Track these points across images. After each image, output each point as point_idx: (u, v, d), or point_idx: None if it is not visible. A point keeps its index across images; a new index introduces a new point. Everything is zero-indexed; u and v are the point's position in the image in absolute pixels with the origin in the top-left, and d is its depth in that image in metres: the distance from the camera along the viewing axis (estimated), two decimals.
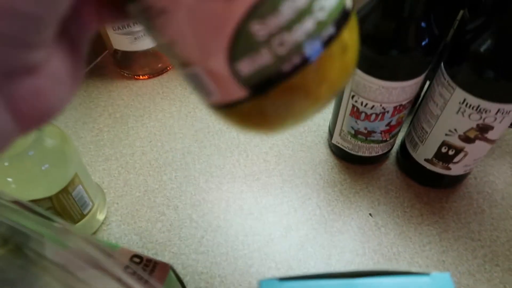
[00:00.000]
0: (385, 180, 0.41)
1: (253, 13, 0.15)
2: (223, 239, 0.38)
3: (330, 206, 0.40)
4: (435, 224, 0.38)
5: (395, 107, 0.34)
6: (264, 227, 0.38)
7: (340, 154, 0.42)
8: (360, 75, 0.33)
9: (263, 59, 0.15)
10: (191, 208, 0.40)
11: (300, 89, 0.16)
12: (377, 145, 0.39)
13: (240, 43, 0.15)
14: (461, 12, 0.36)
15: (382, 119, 0.35)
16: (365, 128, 0.37)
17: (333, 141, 0.41)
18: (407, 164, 0.41)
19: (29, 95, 0.14)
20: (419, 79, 0.33)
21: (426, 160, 0.37)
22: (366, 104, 0.34)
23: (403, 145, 0.41)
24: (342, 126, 0.39)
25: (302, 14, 0.15)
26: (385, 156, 0.42)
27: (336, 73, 0.17)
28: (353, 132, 0.38)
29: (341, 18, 0.16)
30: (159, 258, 0.37)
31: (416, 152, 0.38)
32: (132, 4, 0.16)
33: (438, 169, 0.37)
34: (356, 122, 0.37)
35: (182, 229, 0.39)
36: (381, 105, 0.34)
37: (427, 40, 0.30)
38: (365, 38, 0.31)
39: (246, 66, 0.15)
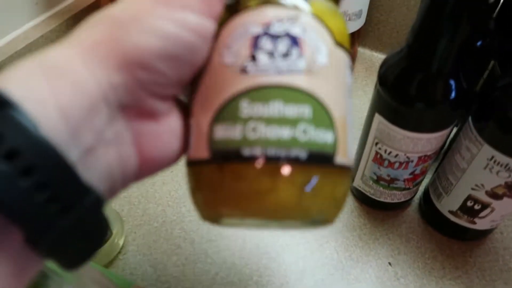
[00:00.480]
0: (406, 228, 0.40)
1: (249, 93, 0.17)
2: (237, 278, 0.38)
3: (348, 251, 0.39)
4: (457, 279, 0.37)
5: (420, 157, 0.34)
6: (279, 269, 0.38)
7: (360, 198, 0.42)
8: (385, 124, 0.32)
9: (234, 132, 0.16)
10: (207, 243, 0.40)
11: (249, 183, 0.17)
12: (399, 192, 0.38)
13: (227, 109, 0.17)
14: (492, 62, 0.35)
15: (406, 167, 0.35)
16: (388, 175, 0.36)
17: (354, 184, 0.41)
18: (430, 213, 0.40)
19: (150, 135, 0.18)
20: (446, 131, 0.32)
21: (450, 212, 0.36)
22: (390, 152, 0.34)
23: (426, 193, 0.40)
24: (364, 171, 0.38)
25: (285, 120, 0.16)
26: (407, 203, 0.41)
27: (287, 198, 0.17)
28: (375, 178, 0.37)
29: (318, 156, 0.17)
30: None
31: (440, 203, 0.37)
32: None
33: (462, 222, 0.36)
34: (379, 168, 0.36)
35: (197, 264, 0.39)
36: (405, 155, 0.33)
37: (454, 94, 0.30)
38: (391, 88, 0.31)
39: (220, 131, 0.17)
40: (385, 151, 0.34)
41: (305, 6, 0.18)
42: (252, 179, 0.16)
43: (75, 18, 0.48)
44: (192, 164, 0.19)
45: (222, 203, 0.18)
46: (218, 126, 0.17)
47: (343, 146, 0.18)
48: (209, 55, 0.18)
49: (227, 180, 0.17)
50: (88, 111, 0.15)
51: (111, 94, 0.15)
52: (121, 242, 0.39)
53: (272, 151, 0.16)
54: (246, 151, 0.16)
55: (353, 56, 0.53)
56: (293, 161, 0.16)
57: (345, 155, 0.18)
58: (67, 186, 0.14)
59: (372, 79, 0.54)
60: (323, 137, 0.17)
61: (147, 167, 0.18)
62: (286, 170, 0.16)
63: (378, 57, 0.57)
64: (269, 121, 0.16)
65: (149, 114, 0.17)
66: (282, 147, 0.16)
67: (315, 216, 0.18)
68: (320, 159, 0.17)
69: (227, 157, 0.17)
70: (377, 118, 0.33)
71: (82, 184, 0.14)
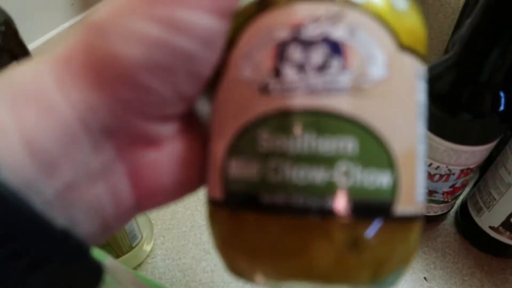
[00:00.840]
0: (442, 242, 0.39)
1: (270, 120, 0.12)
2: None
3: None
4: None
5: (462, 170, 0.32)
6: None
7: None
8: (428, 135, 0.31)
9: (251, 171, 0.12)
10: None
11: (271, 240, 0.13)
12: (436, 205, 0.37)
13: (243, 140, 0.13)
14: None
15: (446, 180, 0.34)
16: (427, 188, 0.35)
17: None
18: (467, 228, 0.38)
19: (149, 165, 0.14)
20: (492, 144, 0.31)
21: (491, 227, 0.35)
22: (431, 164, 0.33)
23: (464, 207, 0.38)
24: None
25: (318, 159, 0.12)
26: (442, 216, 0.40)
27: (323, 261, 0.12)
28: None
29: (367, 206, 0.12)
30: None
31: (480, 218, 0.36)
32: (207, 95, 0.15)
33: (504, 238, 0.35)
34: None
35: (226, 271, 0.38)
36: (447, 167, 0.32)
37: (503, 106, 0.29)
38: (437, 98, 0.30)
39: (235, 167, 0.13)
40: (426, 162, 0.33)
41: None
42: (274, 234, 0.12)
43: None
44: (208, 203, 0.15)
45: (241, 260, 0.14)
46: (233, 161, 0.13)
47: (408, 190, 0.12)
48: (225, 63, 0.14)
49: (245, 232, 0.13)
50: (62, 141, 0.12)
51: (89, 119, 0.12)
52: (150, 246, 0.39)
53: (299, 200, 0.12)
54: (266, 198, 0.12)
55: None
56: (330, 214, 0.12)
57: (411, 202, 0.13)
58: (34, 238, 0.11)
59: None
60: (376, 180, 0.12)
61: (148, 201, 0.15)
62: (319, 226, 0.12)
63: None
64: (297, 159, 0.12)
65: (146, 140, 0.14)
66: (313, 195, 0.12)
67: (366, 281, 0.13)
68: (370, 211, 0.12)
69: (243, 203, 0.13)
70: None
71: (54, 233, 0.12)
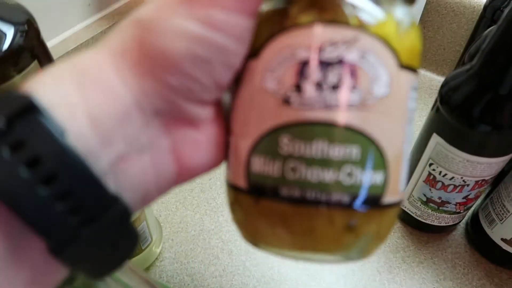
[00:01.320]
0: (452, 253, 0.39)
1: (290, 128, 0.15)
2: None
3: (391, 273, 0.38)
4: None
5: (477, 182, 0.32)
6: (318, 287, 0.37)
7: (405, 218, 0.40)
8: (443, 145, 0.31)
9: (272, 168, 0.15)
10: (246, 254, 0.39)
11: (286, 222, 0.16)
12: (448, 216, 0.37)
13: (266, 142, 0.16)
14: None
15: (460, 191, 0.33)
16: (439, 198, 0.35)
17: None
18: (478, 239, 0.38)
19: (189, 143, 0.17)
20: (508, 157, 0.31)
21: (503, 239, 0.35)
22: (445, 175, 0.33)
23: (475, 218, 0.38)
24: (412, 191, 0.37)
25: (328, 162, 0.15)
26: (453, 226, 0.40)
27: (326, 239, 0.16)
28: (424, 199, 0.36)
29: (363, 199, 0.15)
30: None
31: (492, 229, 0.36)
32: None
33: None
34: (430, 190, 0.35)
35: (234, 276, 0.38)
36: (462, 178, 0.32)
37: None
38: (455, 108, 0.30)
39: (258, 164, 0.16)
40: (440, 173, 0.33)
41: (370, 21, 0.15)
42: (289, 218, 0.16)
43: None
44: (231, 187, 0.18)
45: (258, 234, 0.17)
46: (257, 158, 0.16)
47: (394, 184, 0.16)
48: (250, 70, 0.16)
49: (264, 214, 0.16)
50: (119, 118, 0.14)
51: (143, 101, 0.15)
52: (159, 249, 0.39)
53: (311, 194, 0.15)
54: (284, 191, 0.15)
55: None
56: (335, 205, 0.15)
57: (395, 193, 0.16)
58: (91, 196, 0.13)
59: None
60: (372, 178, 0.15)
61: (184, 175, 0.17)
62: (325, 214, 0.15)
63: (421, 74, 0.56)
64: (311, 162, 0.15)
65: (188, 121, 0.16)
66: (323, 190, 0.15)
67: (353, 253, 0.17)
68: (365, 203, 0.15)
69: (264, 192, 0.16)
70: (435, 138, 0.32)
71: (107, 195, 0.14)
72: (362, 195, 0.15)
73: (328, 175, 0.15)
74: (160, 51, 0.14)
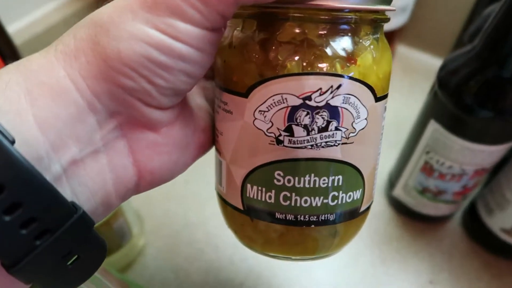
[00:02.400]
0: (449, 243, 0.37)
1: (282, 164, 0.16)
2: (265, 285, 0.35)
3: (385, 265, 0.36)
4: None
5: (476, 170, 0.30)
6: (310, 283, 0.35)
7: (399, 208, 0.39)
8: (441, 132, 0.29)
9: (267, 196, 0.17)
10: (233, 249, 0.37)
11: (279, 236, 0.18)
12: (445, 205, 0.35)
13: (260, 174, 0.17)
14: None
15: (458, 180, 0.32)
16: (436, 187, 0.33)
17: (394, 194, 0.38)
18: (476, 229, 0.36)
19: (148, 146, 0.16)
20: (510, 144, 0.29)
21: (502, 229, 0.33)
22: (443, 163, 0.31)
23: (473, 207, 0.37)
24: (407, 180, 0.35)
25: (317, 191, 0.17)
26: (450, 216, 0.38)
27: (313, 247, 0.19)
28: (420, 188, 0.34)
29: (345, 214, 0.18)
30: None
31: (491, 219, 0.34)
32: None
33: None
34: (426, 179, 0.33)
35: (221, 272, 0.36)
36: (460, 167, 0.30)
37: None
38: (454, 93, 0.27)
39: (253, 191, 0.17)
40: (437, 161, 0.31)
41: (353, 63, 0.16)
42: (282, 234, 0.18)
43: (100, 1, 0.45)
44: (225, 202, 0.19)
45: (253, 242, 0.19)
46: (251, 186, 0.17)
47: (369, 194, 0.19)
48: (239, 107, 0.17)
49: (259, 230, 0.18)
50: (71, 120, 0.14)
51: (96, 102, 0.15)
52: (140, 244, 0.37)
53: (303, 217, 0.17)
54: (279, 216, 0.17)
55: None
56: (322, 223, 0.17)
57: (369, 199, 0.19)
58: (44, 206, 0.13)
59: (409, 79, 0.51)
60: (352, 197, 0.18)
61: (147, 180, 0.17)
62: (315, 230, 0.18)
63: (417, 57, 0.53)
64: (302, 192, 0.17)
65: (146, 124, 0.16)
66: (313, 213, 0.17)
67: (335, 250, 0.20)
68: (347, 216, 0.18)
69: (260, 216, 0.18)
70: (432, 125, 0.30)
71: (63, 204, 0.13)
72: (344, 211, 0.18)
73: (316, 201, 0.17)
74: (114, 53, 0.14)
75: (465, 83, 0.27)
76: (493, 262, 0.36)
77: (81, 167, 0.15)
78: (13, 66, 0.14)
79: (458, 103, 0.27)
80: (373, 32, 0.17)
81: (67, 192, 0.14)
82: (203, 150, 0.19)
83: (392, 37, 0.47)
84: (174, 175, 0.18)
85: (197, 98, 0.20)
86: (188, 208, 0.40)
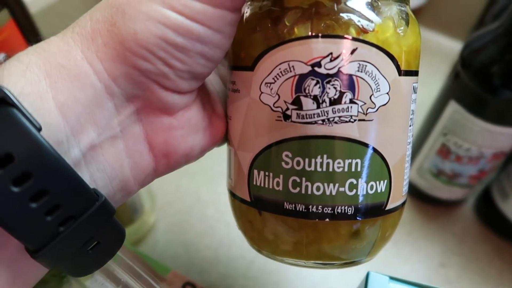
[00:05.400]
0: (461, 228, 0.37)
1: (290, 143, 0.15)
2: (275, 267, 0.35)
3: (396, 247, 0.36)
4: None
5: (494, 154, 0.30)
6: None
7: (412, 191, 0.38)
8: (461, 113, 0.29)
9: (274, 183, 0.15)
10: None
11: (291, 234, 0.16)
12: (459, 189, 0.34)
13: (267, 157, 0.15)
14: None
15: (475, 163, 0.31)
16: (452, 170, 0.33)
17: None
18: (489, 213, 0.36)
19: (162, 130, 0.16)
20: None
21: None
22: (461, 146, 0.30)
23: (487, 191, 0.36)
24: (422, 163, 0.35)
25: (331, 176, 0.15)
26: (463, 200, 0.38)
27: (331, 248, 0.16)
28: (435, 171, 0.34)
29: (367, 208, 0.15)
30: (204, 276, 0.34)
31: (506, 204, 0.34)
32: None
33: None
34: (442, 162, 0.32)
35: (231, 248, 0.36)
36: (479, 149, 0.30)
37: None
38: (476, 73, 0.27)
39: (260, 178, 0.16)
40: (455, 143, 0.30)
41: (367, 28, 0.14)
42: (293, 230, 0.16)
43: None
44: (234, 196, 0.18)
45: (263, 242, 0.17)
46: (258, 172, 0.16)
47: (398, 189, 0.16)
48: (246, 82, 0.16)
49: (268, 226, 0.16)
50: (89, 104, 0.14)
51: (113, 85, 0.14)
52: (151, 219, 0.37)
53: (316, 208, 0.15)
54: (289, 206, 0.15)
55: None
56: (340, 217, 0.15)
57: (399, 197, 0.17)
58: (69, 194, 0.13)
59: (426, 61, 0.50)
60: (375, 188, 0.15)
61: (163, 164, 0.17)
62: (331, 225, 0.15)
63: (434, 38, 0.52)
64: (313, 176, 0.15)
65: (162, 108, 0.16)
66: (327, 203, 0.15)
67: (358, 257, 0.17)
68: (369, 211, 0.15)
69: (268, 207, 0.16)
70: (452, 106, 0.29)
71: (86, 191, 0.13)
72: (366, 204, 0.15)
73: (331, 188, 0.15)
74: (130, 34, 0.14)
75: (490, 63, 0.26)
76: (505, 247, 0.36)
77: (99, 152, 0.15)
78: (32, 49, 0.14)
79: (482, 83, 0.27)
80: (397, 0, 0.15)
81: (86, 177, 0.14)
82: (220, 136, 0.19)
83: None
84: (190, 159, 0.18)
85: (216, 85, 0.20)
86: (199, 184, 0.40)
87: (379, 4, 0.15)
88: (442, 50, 0.51)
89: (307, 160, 0.15)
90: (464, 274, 0.34)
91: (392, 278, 0.18)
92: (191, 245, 0.36)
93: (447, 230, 0.37)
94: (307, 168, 0.15)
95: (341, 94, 0.14)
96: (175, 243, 0.37)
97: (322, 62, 0.14)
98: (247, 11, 0.16)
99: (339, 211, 0.15)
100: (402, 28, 0.15)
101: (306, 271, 0.34)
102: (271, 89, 0.15)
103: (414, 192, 0.38)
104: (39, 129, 0.12)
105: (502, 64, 0.26)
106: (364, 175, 0.15)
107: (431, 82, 0.46)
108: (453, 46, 0.50)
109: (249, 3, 0.16)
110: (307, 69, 0.14)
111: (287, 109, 0.15)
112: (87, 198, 0.13)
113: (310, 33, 0.14)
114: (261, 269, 0.35)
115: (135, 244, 0.36)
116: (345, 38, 0.14)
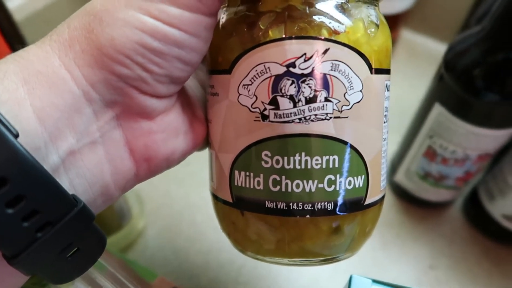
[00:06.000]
0: (449, 229, 0.37)
1: (269, 143, 0.15)
2: (266, 271, 0.35)
3: (385, 249, 0.36)
4: None
5: (480, 155, 0.30)
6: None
7: (400, 193, 0.38)
8: (446, 116, 0.29)
9: (255, 182, 0.16)
10: None
11: (273, 232, 0.16)
12: (446, 191, 0.35)
13: (247, 157, 0.16)
14: None
15: (461, 165, 0.31)
16: (438, 172, 0.33)
17: (395, 179, 0.37)
18: (477, 214, 0.36)
19: (142, 134, 0.16)
20: None
21: (504, 216, 0.33)
22: (447, 148, 0.30)
23: (474, 193, 0.36)
24: (410, 165, 0.35)
25: (310, 173, 0.15)
26: (451, 202, 0.38)
27: (313, 244, 0.16)
28: (422, 173, 0.34)
29: (346, 204, 0.16)
30: (195, 282, 0.34)
31: (492, 205, 0.34)
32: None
33: None
34: (429, 164, 0.33)
35: (221, 253, 0.36)
36: (464, 151, 0.30)
37: None
38: (461, 75, 0.27)
39: (241, 178, 0.16)
40: (441, 145, 0.31)
41: (339, 29, 0.15)
42: (276, 228, 0.16)
43: None
44: (216, 198, 0.18)
45: (246, 243, 0.18)
46: (239, 173, 0.16)
47: (375, 184, 0.17)
48: (224, 85, 0.16)
49: (251, 226, 0.17)
50: (67, 110, 0.14)
51: (92, 91, 0.14)
52: (140, 225, 0.37)
53: (296, 205, 0.15)
54: (270, 205, 0.16)
55: (393, 39, 0.49)
56: (320, 213, 0.15)
57: (377, 192, 0.17)
58: (47, 200, 0.13)
59: (414, 64, 0.50)
60: (353, 183, 0.16)
61: (144, 168, 0.17)
62: (311, 221, 0.16)
63: (421, 41, 0.53)
64: (292, 174, 0.15)
65: (141, 112, 0.16)
66: (307, 200, 0.15)
67: (340, 253, 0.17)
68: (348, 206, 0.16)
69: (250, 207, 0.16)
70: (437, 108, 0.29)
71: (65, 197, 0.13)
72: (345, 200, 0.16)
73: (310, 185, 0.15)
74: (108, 41, 0.14)
75: (473, 66, 0.26)
76: (493, 248, 0.36)
77: (78, 158, 0.15)
78: (10, 57, 0.14)
79: (465, 86, 0.27)
80: (366, 1, 0.16)
81: (65, 183, 0.14)
82: (201, 140, 0.19)
83: (396, 21, 0.47)
84: (171, 163, 0.18)
85: (196, 90, 0.20)
86: (189, 189, 0.40)
87: (349, 6, 0.15)
88: (430, 53, 0.51)
89: (286, 158, 0.15)
90: (453, 276, 0.34)
91: (374, 281, 0.18)
92: (181, 250, 0.36)
93: (435, 232, 0.37)
94: (286, 166, 0.15)
95: (316, 92, 0.15)
96: (165, 248, 0.36)
97: (297, 63, 0.14)
98: (223, 16, 0.17)
99: (319, 207, 0.15)
100: (372, 29, 0.16)
101: (296, 274, 0.34)
102: (249, 91, 0.15)
103: (402, 194, 0.38)
104: (16, 136, 0.12)
105: (484, 67, 0.26)
106: (342, 171, 0.15)
107: (419, 85, 0.46)
108: (441, 49, 0.50)
109: (224, 9, 0.17)
110: (282, 69, 0.15)
111: (265, 109, 0.15)
112: (65, 203, 0.13)
113: (284, 35, 0.15)
114: (252, 273, 0.35)
115: (124, 250, 0.36)
116: (318, 39, 0.14)
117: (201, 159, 0.42)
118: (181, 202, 0.39)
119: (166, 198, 0.39)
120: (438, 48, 0.52)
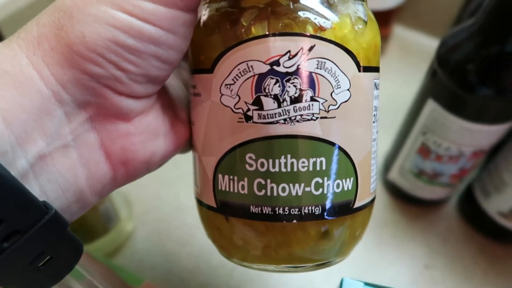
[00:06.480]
0: (445, 227, 0.37)
1: (253, 145, 0.14)
2: (257, 274, 0.34)
3: (380, 250, 0.35)
4: (500, 287, 0.33)
5: (474, 152, 0.29)
6: None
7: (394, 192, 0.38)
8: (439, 112, 0.28)
9: (239, 187, 0.15)
10: None
11: (259, 238, 0.15)
12: (441, 189, 0.34)
13: (231, 161, 0.15)
14: None
15: (455, 162, 0.31)
16: (433, 170, 0.32)
17: (389, 177, 0.37)
18: (472, 212, 0.36)
19: (119, 137, 0.15)
20: (510, 124, 0.28)
21: (500, 213, 0.32)
22: (441, 145, 0.30)
23: (469, 190, 0.36)
24: (403, 163, 0.34)
25: (296, 176, 0.14)
26: (446, 199, 0.37)
27: (300, 250, 0.16)
28: (416, 171, 0.33)
29: (335, 207, 0.15)
30: (185, 286, 0.33)
31: (488, 202, 0.33)
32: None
33: None
34: (423, 161, 0.32)
35: (212, 256, 0.35)
36: (459, 148, 0.29)
37: None
38: (454, 71, 0.26)
39: (225, 182, 0.15)
40: (435, 142, 0.30)
41: (325, 26, 0.14)
42: (262, 234, 0.15)
43: None
44: (201, 203, 0.18)
45: (232, 250, 0.17)
46: (223, 176, 0.16)
47: (365, 187, 0.16)
48: (206, 85, 0.15)
49: (236, 232, 0.16)
50: (36, 112, 0.13)
51: (62, 92, 0.13)
52: (128, 228, 0.36)
53: (282, 210, 0.15)
54: (255, 209, 0.15)
55: (386, 35, 0.48)
56: (307, 217, 0.15)
57: (367, 194, 0.16)
58: (13, 207, 0.12)
59: (407, 61, 0.50)
60: (342, 186, 0.15)
61: (122, 172, 0.16)
62: (299, 226, 0.15)
63: (414, 37, 0.52)
64: (278, 178, 0.14)
65: (117, 114, 0.15)
66: (294, 204, 0.15)
67: (330, 258, 0.17)
68: (337, 210, 0.15)
69: (234, 212, 0.16)
70: (430, 104, 0.29)
71: (33, 204, 0.13)
72: (333, 204, 0.15)
73: (297, 189, 0.14)
74: (78, 38, 0.13)
75: (466, 60, 0.26)
76: (489, 246, 0.35)
77: (49, 162, 0.14)
78: None
79: (458, 81, 0.26)
80: None
81: (35, 189, 0.13)
82: (183, 141, 0.18)
83: (389, 17, 0.46)
84: (151, 166, 0.17)
85: (178, 90, 0.19)
86: (178, 191, 0.39)
87: (336, 2, 0.15)
88: (423, 49, 0.51)
89: (271, 161, 0.14)
90: (449, 275, 0.34)
91: (366, 283, 0.17)
92: (171, 254, 0.35)
93: (431, 231, 0.36)
94: (271, 169, 0.14)
95: (302, 92, 0.14)
96: (154, 252, 0.35)
97: (281, 61, 0.14)
98: (204, 13, 0.16)
99: (306, 211, 0.15)
100: (360, 25, 0.15)
101: (288, 277, 0.34)
102: (231, 91, 0.15)
103: (397, 193, 0.37)
104: None
105: (478, 62, 0.25)
106: (329, 173, 0.15)
107: (413, 81, 0.45)
108: (434, 45, 0.49)
109: (206, 5, 0.16)
110: (266, 68, 0.14)
111: (248, 110, 0.14)
112: (35, 211, 0.13)
113: (267, 32, 0.14)
114: (243, 277, 0.34)
115: (112, 254, 0.35)
116: (303, 35, 0.14)
117: (191, 161, 0.41)
118: (171, 205, 0.38)
119: (156, 200, 0.38)
120: (431, 44, 0.52)
